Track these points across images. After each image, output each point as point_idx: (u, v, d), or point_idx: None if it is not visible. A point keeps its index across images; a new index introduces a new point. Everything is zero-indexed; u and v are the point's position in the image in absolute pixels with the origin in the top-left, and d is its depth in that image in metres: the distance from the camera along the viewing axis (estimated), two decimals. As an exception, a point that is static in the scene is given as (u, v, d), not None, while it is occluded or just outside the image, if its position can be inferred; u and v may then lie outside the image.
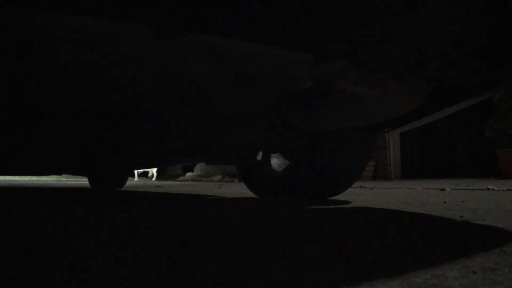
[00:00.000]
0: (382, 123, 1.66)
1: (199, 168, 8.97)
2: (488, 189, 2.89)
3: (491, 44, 0.99)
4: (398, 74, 1.14)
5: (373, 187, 3.52)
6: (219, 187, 4.28)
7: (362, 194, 2.50)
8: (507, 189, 2.76)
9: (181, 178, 8.69)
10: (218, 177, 7.63)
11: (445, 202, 1.83)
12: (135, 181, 7.79)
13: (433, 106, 1.45)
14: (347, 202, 1.90)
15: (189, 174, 9.01)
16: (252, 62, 0.98)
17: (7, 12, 0.75)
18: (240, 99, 1.19)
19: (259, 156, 2.20)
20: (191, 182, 7.11)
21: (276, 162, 2.17)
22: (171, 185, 4.98)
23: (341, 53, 1.01)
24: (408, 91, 1.29)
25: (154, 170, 9.77)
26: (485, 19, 0.90)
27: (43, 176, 9.44)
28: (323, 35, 0.91)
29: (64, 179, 8.70)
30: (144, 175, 10.33)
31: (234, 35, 0.87)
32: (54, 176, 9.17)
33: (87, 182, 4.49)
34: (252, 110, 1.29)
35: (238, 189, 3.49)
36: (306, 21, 0.84)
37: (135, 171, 9.18)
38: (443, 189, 2.91)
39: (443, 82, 1.27)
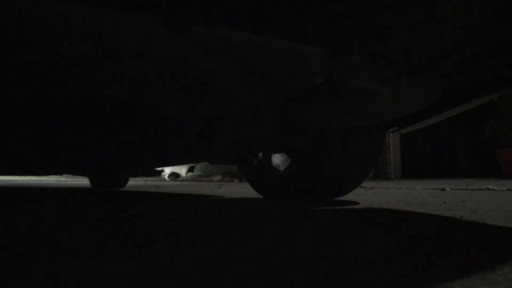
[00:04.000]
0: (393, 122, 1.63)
1: (199, 168, 8.95)
2: (488, 189, 2.89)
3: (509, 39, 0.96)
4: (413, 70, 1.11)
5: (373, 187, 3.52)
6: (219, 187, 4.28)
7: (362, 194, 2.50)
8: (507, 189, 2.76)
9: (181, 178, 8.68)
10: (218, 177, 7.62)
11: (445, 202, 1.83)
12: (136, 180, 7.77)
13: (446, 104, 1.41)
14: (354, 203, 1.89)
15: (189, 174, 8.99)
16: (264, 56, 0.94)
17: (6, 0, 0.71)
18: (249, 96, 1.16)
19: (264, 155, 2.17)
20: (191, 182, 7.10)
21: (281, 161, 2.15)
22: (171, 185, 4.98)
23: (356, 47, 0.97)
24: (422, 88, 1.25)
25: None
26: (504, 13, 0.87)
27: (43, 176, 9.41)
28: (339, 27, 0.87)
29: (64, 179, 8.68)
30: (146, 174, 10.23)
31: (246, 27, 0.83)
32: (54, 176, 9.15)
33: (88, 182, 4.48)
34: (261, 107, 1.27)
35: (238, 189, 3.49)
36: (321, 12, 0.81)
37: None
38: (443, 189, 2.91)
39: (458, 78, 1.24)
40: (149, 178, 7.34)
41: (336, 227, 1.17)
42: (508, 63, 1.10)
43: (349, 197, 2.18)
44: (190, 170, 9.19)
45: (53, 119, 1.34)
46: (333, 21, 0.85)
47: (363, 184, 4.10)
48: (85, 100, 1.18)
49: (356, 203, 1.88)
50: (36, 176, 8.84)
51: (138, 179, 7.02)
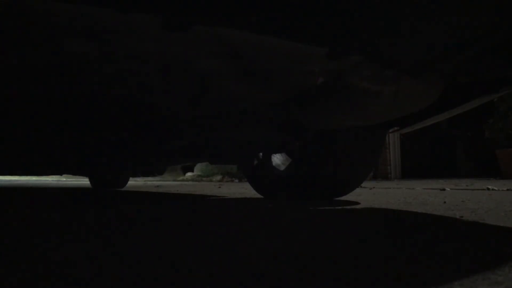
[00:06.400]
0: (393, 122, 1.63)
1: (199, 168, 8.95)
2: (488, 189, 2.89)
3: (509, 39, 0.96)
4: (413, 70, 1.10)
5: (373, 187, 3.52)
6: (219, 187, 4.28)
7: (362, 194, 2.50)
8: (507, 189, 2.76)
9: (181, 178, 8.68)
10: (218, 177, 7.62)
11: (445, 202, 1.83)
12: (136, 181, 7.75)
13: (446, 104, 1.41)
14: (354, 203, 1.89)
15: (189, 174, 8.99)
16: (264, 56, 0.94)
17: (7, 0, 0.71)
18: (249, 96, 1.16)
19: (264, 155, 2.17)
20: (191, 182, 7.10)
21: (281, 161, 2.15)
22: (171, 185, 4.98)
23: (357, 47, 0.97)
24: (422, 88, 1.25)
25: None
26: (504, 13, 0.87)
27: (43, 176, 9.40)
28: (339, 27, 0.87)
29: (64, 179, 8.68)
30: (146, 174, 10.23)
31: (246, 27, 0.83)
32: (54, 176, 9.13)
33: (88, 182, 4.48)
34: (261, 107, 1.27)
35: (238, 189, 3.49)
36: (321, 11, 0.81)
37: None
38: (443, 189, 2.91)
39: (458, 78, 1.24)
40: (149, 178, 7.34)
41: (336, 227, 1.17)
42: (508, 63, 1.10)
43: (349, 197, 2.18)
44: (190, 170, 9.17)
45: (52, 119, 1.34)
46: (333, 21, 0.85)
47: (363, 184, 4.09)
48: (85, 100, 1.18)
49: (356, 203, 1.88)
50: (36, 176, 8.84)
51: (138, 179, 7.02)
